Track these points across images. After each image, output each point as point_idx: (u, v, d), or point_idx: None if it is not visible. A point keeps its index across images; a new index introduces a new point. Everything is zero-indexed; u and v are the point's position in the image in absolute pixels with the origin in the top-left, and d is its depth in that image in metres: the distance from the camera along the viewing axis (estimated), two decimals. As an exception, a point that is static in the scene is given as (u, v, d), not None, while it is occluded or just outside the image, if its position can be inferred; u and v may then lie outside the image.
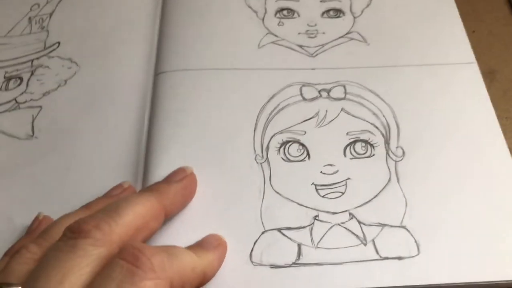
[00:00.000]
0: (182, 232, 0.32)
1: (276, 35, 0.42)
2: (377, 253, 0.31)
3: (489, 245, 0.31)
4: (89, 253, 0.24)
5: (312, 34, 0.42)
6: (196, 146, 0.36)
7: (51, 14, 0.46)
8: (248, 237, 0.32)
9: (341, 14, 0.44)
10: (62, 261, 0.24)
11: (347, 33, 0.42)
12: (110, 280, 0.23)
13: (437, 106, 0.38)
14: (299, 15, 0.44)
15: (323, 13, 0.44)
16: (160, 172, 0.34)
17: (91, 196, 0.34)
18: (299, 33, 0.42)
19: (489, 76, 0.41)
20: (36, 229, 0.31)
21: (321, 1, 0.44)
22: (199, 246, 0.30)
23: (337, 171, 0.34)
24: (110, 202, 0.29)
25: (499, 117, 0.37)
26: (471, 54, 0.41)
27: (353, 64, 0.40)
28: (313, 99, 0.38)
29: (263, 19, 0.43)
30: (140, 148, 0.37)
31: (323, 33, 0.42)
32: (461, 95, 0.38)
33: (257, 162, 0.35)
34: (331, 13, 0.44)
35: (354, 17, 0.44)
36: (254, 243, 0.32)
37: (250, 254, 0.31)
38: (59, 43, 0.43)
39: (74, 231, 0.25)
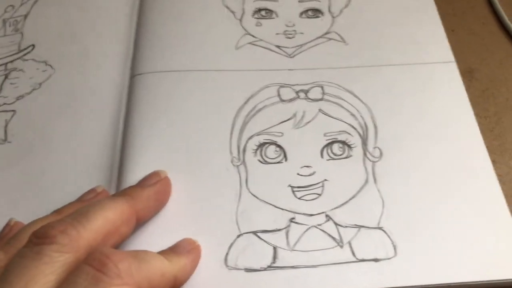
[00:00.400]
0: (156, 236, 0.32)
1: (254, 36, 0.42)
2: (354, 255, 0.31)
3: (466, 246, 0.31)
4: (55, 260, 0.24)
5: (290, 34, 0.42)
6: (172, 149, 0.35)
7: (25, 16, 0.45)
8: (223, 241, 0.31)
9: (320, 14, 0.43)
10: (26, 268, 0.23)
11: (325, 33, 0.42)
12: (75, 287, 0.23)
13: (415, 106, 0.37)
14: (277, 16, 0.43)
15: (301, 13, 0.43)
16: (134, 175, 0.34)
17: (65, 200, 0.33)
18: (277, 34, 0.42)
19: (468, 75, 0.41)
20: (6, 236, 0.30)
21: (299, 1, 0.44)
22: (171, 251, 0.29)
23: (314, 172, 0.34)
24: (81, 207, 0.29)
25: (477, 116, 0.37)
26: (450, 53, 0.41)
27: (331, 65, 0.40)
28: (290, 100, 0.37)
29: (240, 20, 0.43)
30: (115, 151, 0.36)
31: (302, 33, 0.42)
32: (439, 95, 0.38)
33: (233, 165, 0.35)
34: (310, 13, 0.44)
35: (333, 17, 0.43)
36: (230, 247, 0.31)
37: (225, 258, 0.31)
38: (33, 45, 0.43)
39: (40, 237, 0.25)
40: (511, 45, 0.44)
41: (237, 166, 0.34)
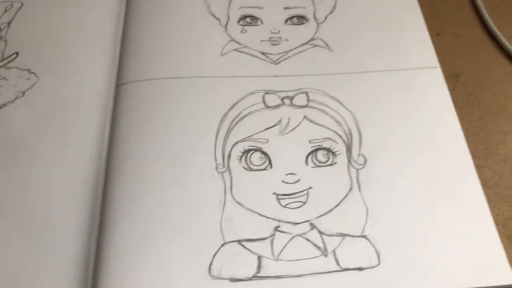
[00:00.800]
0: (137, 246, 0.31)
1: (239, 43, 0.42)
2: (338, 264, 0.31)
3: (450, 253, 0.31)
4: None
5: (276, 41, 0.42)
6: (156, 156, 0.35)
7: (9, 23, 0.44)
8: (207, 250, 0.31)
9: (305, 21, 0.43)
10: None
11: (310, 40, 0.42)
12: None
13: (399, 112, 0.37)
14: (262, 22, 0.43)
15: (286, 20, 0.43)
16: (120, 185, 0.34)
17: (48, 211, 0.33)
18: (262, 41, 0.42)
19: (454, 79, 0.41)
20: None
21: (284, 8, 0.44)
22: None
23: (299, 180, 0.34)
24: None
25: (462, 120, 0.37)
26: (434, 58, 0.41)
27: (316, 71, 0.40)
28: (276, 106, 0.37)
29: (225, 26, 0.43)
30: (100, 161, 0.36)
31: (287, 40, 0.42)
32: (424, 100, 0.38)
33: (218, 172, 0.34)
34: (295, 20, 0.43)
35: (318, 24, 0.43)
36: (214, 256, 0.31)
37: (209, 268, 0.31)
38: (17, 53, 0.42)
39: None
40: (495, 48, 0.44)
41: (222, 173, 0.34)
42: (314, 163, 0.35)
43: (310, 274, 0.30)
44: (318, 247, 0.31)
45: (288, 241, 0.31)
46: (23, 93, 0.40)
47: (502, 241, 0.32)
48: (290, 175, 0.34)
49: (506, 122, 0.39)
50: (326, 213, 0.33)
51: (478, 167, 0.35)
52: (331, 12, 0.44)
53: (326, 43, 0.42)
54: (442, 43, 0.43)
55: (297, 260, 0.31)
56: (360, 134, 0.36)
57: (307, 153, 0.35)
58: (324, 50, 0.41)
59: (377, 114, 0.37)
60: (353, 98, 0.38)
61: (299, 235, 0.32)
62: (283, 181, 0.34)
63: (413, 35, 0.42)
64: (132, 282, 0.30)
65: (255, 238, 0.32)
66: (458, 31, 0.45)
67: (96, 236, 0.33)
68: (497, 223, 0.33)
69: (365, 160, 0.35)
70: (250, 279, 0.30)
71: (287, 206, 0.33)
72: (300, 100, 0.38)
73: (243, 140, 0.36)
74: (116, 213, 0.33)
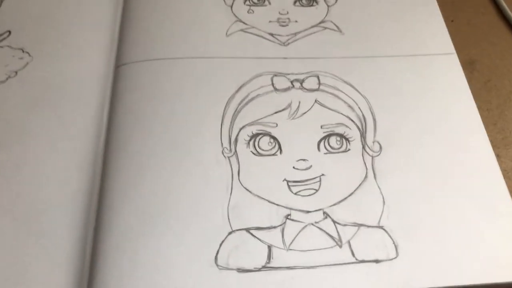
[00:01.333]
0: (141, 234, 0.29)
1: (245, 23, 0.40)
2: (353, 255, 0.29)
3: (471, 246, 0.29)
4: None
5: (284, 22, 0.40)
6: (159, 140, 0.33)
7: (1, 1, 0.42)
8: (213, 238, 0.29)
9: (314, 3, 0.42)
10: None
11: (320, 22, 0.40)
12: None
13: (415, 99, 0.36)
14: (269, 3, 0.41)
15: (295, 1, 0.41)
16: (119, 171, 0.32)
17: (42, 197, 0.32)
18: (270, 21, 0.40)
19: (469, 66, 0.40)
20: None
21: (293, -12, 0.42)
22: None
23: (311, 166, 0.32)
24: None
25: (480, 108, 0.36)
26: (450, 45, 0.39)
27: (327, 54, 0.38)
28: (285, 89, 0.35)
29: (231, 6, 0.41)
30: (99, 146, 0.34)
31: (296, 21, 0.40)
32: (440, 87, 0.37)
33: (224, 156, 0.32)
34: (304, 1, 0.42)
35: (328, 6, 0.41)
36: (220, 245, 0.29)
37: (216, 257, 0.29)
38: (10, 31, 0.40)
39: None
40: (511, 35, 0.42)
41: (228, 157, 0.32)
42: (327, 149, 0.33)
43: (324, 265, 0.28)
44: (332, 237, 0.29)
45: (300, 230, 0.30)
46: (16, 73, 0.38)
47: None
48: (301, 161, 0.32)
49: (524, 112, 0.37)
50: (340, 202, 0.31)
51: (497, 157, 0.34)
52: (342, -6, 0.42)
53: (338, 26, 0.40)
54: (457, 30, 0.42)
55: (310, 250, 0.29)
56: (374, 119, 0.34)
57: (319, 139, 0.33)
58: (335, 33, 0.39)
59: (392, 99, 0.35)
60: (366, 83, 0.36)
61: (312, 224, 0.30)
62: (294, 167, 0.32)
63: (427, 20, 0.41)
64: (132, 273, 0.28)
65: (264, 226, 0.30)
66: (472, 18, 0.43)
67: (94, 224, 0.31)
68: (518, 216, 0.31)
69: (381, 147, 0.33)
70: (259, 269, 0.28)
71: (298, 193, 0.31)
72: (311, 83, 0.36)
73: (251, 123, 0.34)
74: (115, 200, 0.31)
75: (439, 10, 0.41)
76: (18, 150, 0.34)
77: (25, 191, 0.32)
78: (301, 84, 0.36)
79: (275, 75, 0.36)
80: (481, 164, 0.33)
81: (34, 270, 0.30)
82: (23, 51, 0.39)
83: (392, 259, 0.29)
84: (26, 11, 0.42)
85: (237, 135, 0.33)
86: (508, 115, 0.37)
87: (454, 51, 0.39)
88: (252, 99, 0.35)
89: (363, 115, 0.34)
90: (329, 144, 0.33)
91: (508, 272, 0.29)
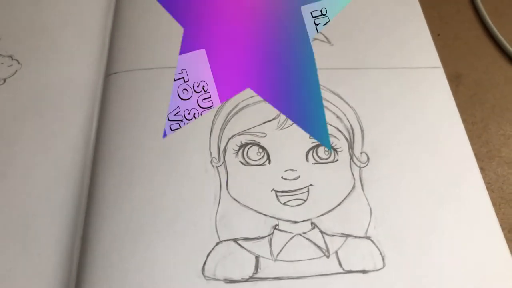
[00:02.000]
0: (129, 243, 0.29)
1: (235, 34, 0.40)
2: (341, 266, 0.29)
3: (456, 257, 0.30)
4: None
5: (274, 33, 0.40)
6: (147, 149, 0.33)
7: (-9, 7, 0.42)
8: (200, 248, 0.29)
9: (304, 14, 0.42)
10: None
11: (310, 33, 0.40)
12: None
13: (402, 111, 0.36)
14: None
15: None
16: (107, 181, 0.32)
17: (28, 206, 0.31)
18: (259, 32, 0.40)
19: (455, 80, 0.40)
20: None
21: (283, 0, 0.42)
22: None
23: (299, 176, 0.32)
24: None
25: (464, 121, 0.36)
26: (436, 59, 0.39)
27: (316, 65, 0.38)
28: (273, 100, 0.36)
29: (221, 17, 0.41)
30: (87, 154, 0.34)
31: (285, 32, 0.40)
32: (427, 100, 0.37)
33: (213, 166, 0.32)
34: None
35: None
36: (208, 255, 0.29)
37: (203, 267, 0.29)
38: (-1, 38, 0.40)
39: None
40: (496, 50, 0.43)
41: (217, 167, 0.32)
42: (315, 160, 0.33)
43: (311, 276, 0.28)
44: (320, 248, 0.29)
45: (288, 241, 0.30)
46: (4, 80, 0.38)
47: (508, 246, 0.31)
48: (289, 171, 0.32)
49: (508, 125, 0.38)
50: (328, 212, 0.31)
51: (481, 169, 0.34)
52: (331, 6, 0.43)
53: (326, 37, 0.40)
54: (443, 44, 0.42)
55: (298, 260, 0.29)
56: (362, 130, 0.34)
57: (307, 149, 0.33)
58: (324, 44, 0.40)
59: (379, 111, 0.36)
60: (354, 94, 0.36)
61: (300, 234, 0.30)
62: (282, 177, 0.32)
63: (415, 34, 0.41)
64: (119, 284, 0.28)
65: (252, 236, 0.30)
66: (458, 33, 0.44)
67: (81, 233, 0.31)
68: (502, 227, 0.32)
69: (368, 158, 0.33)
70: (246, 280, 0.28)
71: (286, 203, 0.31)
72: (299, 94, 0.36)
73: (240, 133, 0.34)
74: (103, 209, 0.31)
75: (426, 25, 0.42)
76: (5, 158, 0.34)
77: (11, 199, 0.32)
78: (290, 95, 0.36)
79: (264, 86, 0.36)
80: (466, 177, 0.33)
81: (19, 280, 0.29)
82: (12, 59, 0.39)
83: (379, 269, 0.29)
84: (16, 18, 0.41)
85: (226, 144, 0.33)
86: (492, 128, 0.38)
87: (440, 65, 0.39)
88: (242, 109, 0.35)
89: (351, 126, 0.35)
90: (317, 154, 0.33)
91: (494, 283, 0.29)
